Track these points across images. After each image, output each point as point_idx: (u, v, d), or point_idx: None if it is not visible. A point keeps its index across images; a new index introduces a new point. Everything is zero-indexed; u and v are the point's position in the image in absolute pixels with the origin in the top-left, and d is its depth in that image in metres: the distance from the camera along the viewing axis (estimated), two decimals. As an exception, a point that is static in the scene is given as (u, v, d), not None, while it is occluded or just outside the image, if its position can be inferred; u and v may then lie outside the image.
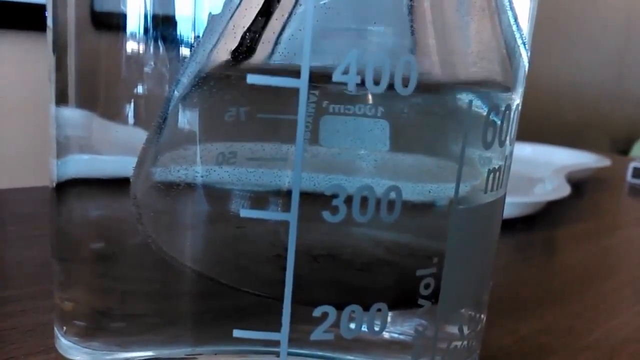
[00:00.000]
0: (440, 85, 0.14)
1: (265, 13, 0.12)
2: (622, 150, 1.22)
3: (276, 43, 0.13)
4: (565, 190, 0.40)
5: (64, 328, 0.15)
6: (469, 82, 0.14)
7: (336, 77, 0.11)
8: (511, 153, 0.15)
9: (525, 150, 0.53)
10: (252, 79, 0.11)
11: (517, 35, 0.14)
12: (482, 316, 0.16)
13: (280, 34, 0.12)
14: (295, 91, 0.11)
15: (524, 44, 0.15)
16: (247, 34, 0.13)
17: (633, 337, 0.23)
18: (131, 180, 0.14)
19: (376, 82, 0.11)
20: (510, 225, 0.35)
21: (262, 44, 0.13)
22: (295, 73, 0.11)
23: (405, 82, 0.12)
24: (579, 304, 0.26)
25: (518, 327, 0.23)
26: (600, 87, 1.35)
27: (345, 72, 0.11)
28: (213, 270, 0.14)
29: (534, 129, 0.63)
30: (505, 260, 0.30)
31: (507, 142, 0.14)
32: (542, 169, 0.47)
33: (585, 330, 0.23)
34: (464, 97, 0.14)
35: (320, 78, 0.11)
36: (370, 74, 0.11)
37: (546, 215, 0.38)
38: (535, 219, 0.38)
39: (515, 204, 0.36)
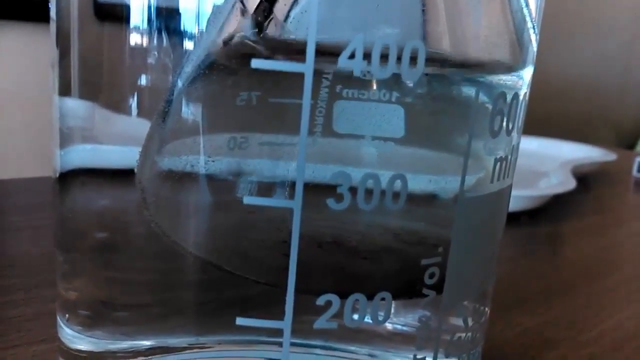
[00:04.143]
0: (448, 70, 0.14)
1: None
2: (629, 144, 1.22)
3: (282, 26, 0.12)
4: (570, 184, 0.40)
5: (67, 317, 0.15)
6: (477, 66, 0.14)
7: (342, 62, 0.11)
8: (518, 144, 0.15)
9: (531, 144, 0.53)
10: (256, 63, 0.11)
11: (528, 19, 0.14)
12: (486, 308, 0.16)
13: (286, 18, 0.12)
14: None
15: (533, 27, 0.14)
16: (252, 17, 0.13)
17: (637, 331, 0.23)
18: (136, 165, 0.14)
19: (382, 67, 0.11)
20: (515, 219, 0.35)
21: (267, 28, 0.13)
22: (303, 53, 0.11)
23: (413, 68, 0.12)
24: (583, 298, 0.26)
25: (522, 320, 0.23)
26: (607, 81, 1.34)
27: (352, 57, 0.11)
28: (217, 257, 0.14)
29: (540, 122, 0.62)
30: (510, 254, 0.30)
31: (514, 131, 0.14)
32: (548, 163, 0.47)
33: (589, 324, 0.23)
34: (472, 84, 0.14)
35: (333, 62, 0.11)
36: (376, 59, 0.11)
37: (551, 209, 0.38)
38: (541, 213, 0.37)
39: (520, 197, 0.35)
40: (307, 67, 0.11)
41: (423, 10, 0.13)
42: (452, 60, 0.14)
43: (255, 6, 0.13)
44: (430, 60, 0.12)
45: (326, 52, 0.11)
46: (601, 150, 0.55)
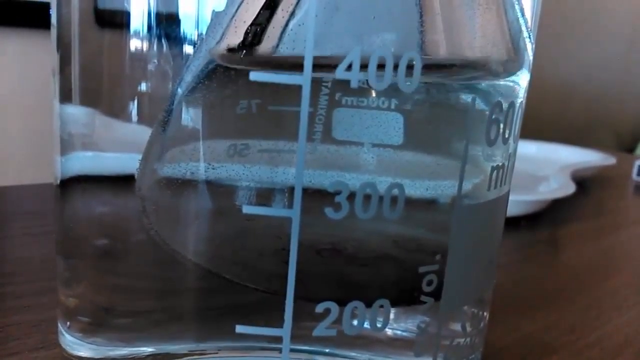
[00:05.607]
0: (445, 80, 0.14)
1: (270, 6, 0.12)
2: (628, 148, 1.21)
3: (281, 37, 0.13)
4: (570, 189, 0.40)
5: (68, 324, 0.15)
6: (473, 76, 0.14)
7: (339, 73, 0.11)
8: (515, 151, 0.15)
9: (530, 148, 0.53)
10: (254, 75, 0.11)
11: (523, 28, 0.14)
12: (485, 314, 0.16)
13: (285, 27, 0.12)
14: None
15: (529, 36, 0.15)
16: (250, 28, 0.13)
17: (637, 335, 0.23)
18: (137, 173, 0.14)
19: (379, 78, 0.11)
20: (515, 223, 0.35)
21: (267, 37, 0.13)
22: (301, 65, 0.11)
23: (409, 78, 0.12)
24: (582, 302, 0.26)
25: (521, 325, 0.23)
26: (606, 85, 1.35)
27: (349, 69, 0.11)
28: (216, 264, 0.14)
29: (539, 127, 0.62)
30: (509, 258, 0.30)
31: (511, 139, 0.14)
32: (547, 167, 0.47)
33: (589, 329, 0.23)
34: (468, 93, 0.14)
35: (332, 70, 0.11)
36: (373, 70, 0.11)
37: (551, 214, 0.38)
38: (540, 217, 0.37)
39: (520, 201, 0.35)
40: (304, 79, 0.11)
41: (420, 22, 0.13)
42: (448, 64, 0.14)
43: (252, 18, 0.13)
44: (427, 67, 0.12)
45: (324, 64, 0.11)
46: (600, 154, 0.55)
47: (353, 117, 0.13)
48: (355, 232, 0.14)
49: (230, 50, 0.13)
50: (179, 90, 0.13)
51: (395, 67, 0.11)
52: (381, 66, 0.11)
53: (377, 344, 0.14)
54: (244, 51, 0.13)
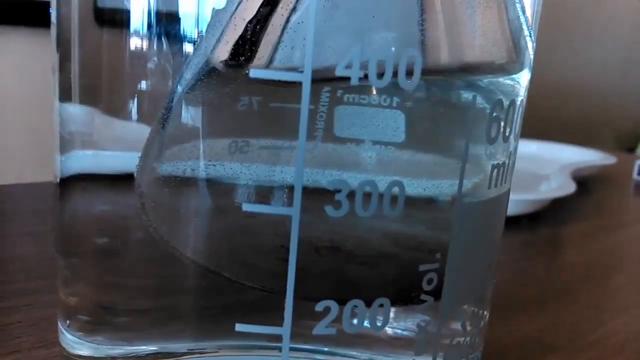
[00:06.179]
0: (445, 78, 0.14)
1: (270, 4, 0.12)
2: (629, 147, 1.21)
3: (281, 34, 0.13)
4: (570, 188, 0.40)
5: (68, 322, 0.15)
6: (474, 75, 0.14)
7: (339, 71, 0.11)
8: (515, 149, 0.15)
9: (530, 148, 0.53)
10: (254, 72, 0.11)
11: (524, 26, 0.14)
12: (485, 313, 0.16)
13: (285, 25, 0.12)
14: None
15: (530, 34, 0.14)
16: (249, 25, 0.13)
17: (637, 335, 0.23)
18: (136, 170, 0.14)
19: (379, 76, 0.11)
20: (515, 222, 0.35)
21: (266, 35, 0.13)
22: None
23: (409, 76, 0.12)
24: (583, 302, 0.26)
25: (521, 325, 0.23)
26: (607, 85, 1.35)
27: (349, 67, 0.11)
28: (216, 263, 0.14)
29: (540, 126, 0.62)
30: (509, 257, 0.30)
31: (511, 137, 0.14)
32: (548, 166, 0.47)
33: (590, 328, 0.23)
34: (469, 91, 0.14)
35: (331, 71, 0.11)
36: (373, 68, 0.11)
37: (551, 213, 0.38)
38: (540, 216, 0.37)
39: (520, 201, 0.35)
40: (304, 77, 0.11)
41: (420, 20, 0.13)
42: (449, 70, 0.14)
43: (252, 15, 0.13)
44: (427, 71, 0.12)
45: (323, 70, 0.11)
46: (601, 154, 0.55)
47: (354, 115, 0.13)
48: (355, 230, 0.14)
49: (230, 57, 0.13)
50: (179, 88, 0.13)
51: (396, 65, 0.11)
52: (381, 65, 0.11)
53: (377, 343, 0.14)
54: (242, 50, 0.13)
